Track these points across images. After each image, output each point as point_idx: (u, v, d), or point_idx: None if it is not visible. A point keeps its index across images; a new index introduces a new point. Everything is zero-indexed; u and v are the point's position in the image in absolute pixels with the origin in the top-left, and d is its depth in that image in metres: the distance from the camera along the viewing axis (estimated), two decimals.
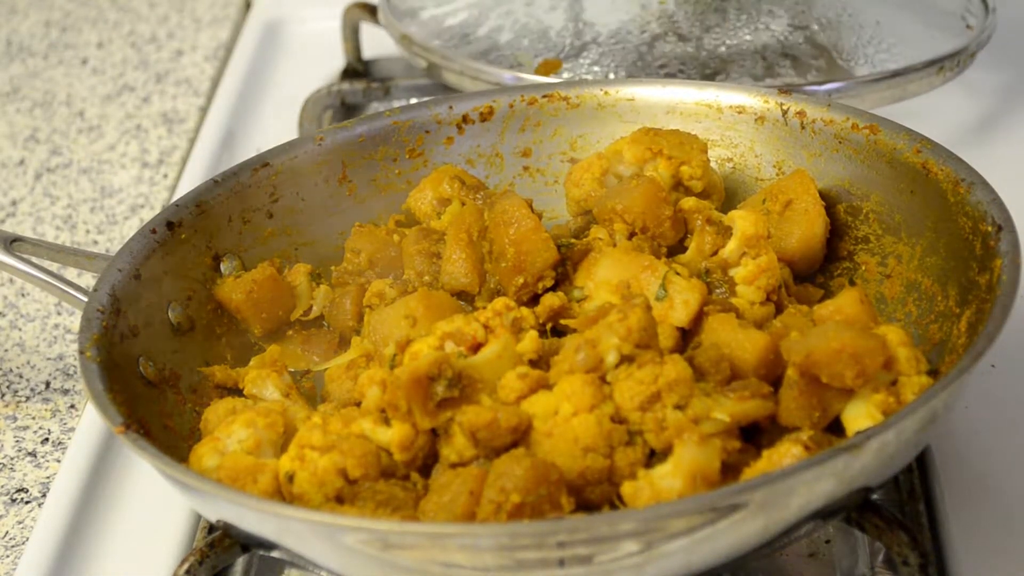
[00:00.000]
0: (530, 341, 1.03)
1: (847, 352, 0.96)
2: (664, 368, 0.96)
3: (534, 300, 1.12)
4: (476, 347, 1.02)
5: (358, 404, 1.05)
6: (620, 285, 1.09)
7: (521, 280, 1.12)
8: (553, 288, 1.12)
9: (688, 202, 1.16)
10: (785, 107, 1.23)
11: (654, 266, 1.09)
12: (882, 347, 0.97)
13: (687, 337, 1.07)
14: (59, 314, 1.39)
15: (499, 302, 1.04)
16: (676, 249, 1.16)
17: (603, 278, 1.11)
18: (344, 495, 0.96)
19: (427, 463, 1.00)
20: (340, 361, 1.14)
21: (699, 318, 1.06)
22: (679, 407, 0.96)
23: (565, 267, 1.13)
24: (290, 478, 0.97)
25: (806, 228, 1.17)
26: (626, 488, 0.94)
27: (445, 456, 0.98)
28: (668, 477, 0.93)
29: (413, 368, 0.98)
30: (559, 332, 1.10)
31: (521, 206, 1.13)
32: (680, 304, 1.07)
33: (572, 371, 0.98)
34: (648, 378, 0.96)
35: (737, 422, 0.97)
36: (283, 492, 0.98)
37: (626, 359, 0.98)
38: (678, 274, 1.09)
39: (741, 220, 1.12)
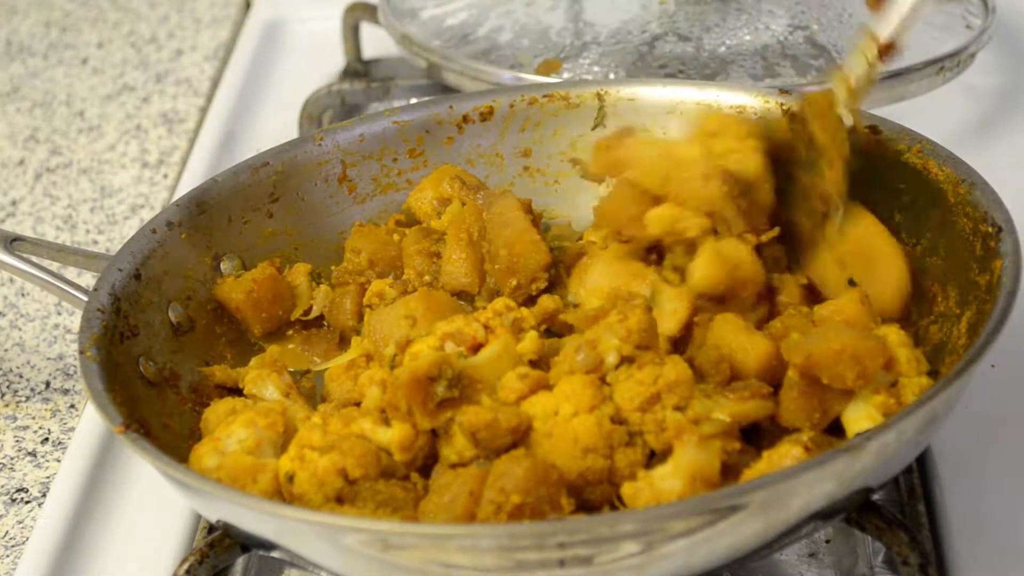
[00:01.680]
0: (531, 342, 1.03)
1: (848, 353, 0.96)
2: (664, 369, 0.96)
3: (531, 301, 1.12)
4: (476, 347, 1.02)
5: (358, 404, 1.05)
6: (611, 293, 1.08)
7: (514, 282, 1.12)
8: (548, 290, 1.12)
9: (656, 213, 1.11)
10: (785, 107, 1.23)
11: (643, 274, 1.09)
12: (883, 348, 0.97)
13: (679, 344, 1.06)
14: (59, 314, 1.39)
15: (499, 302, 1.04)
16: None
17: (594, 285, 1.11)
18: (344, 495, 0.96)
19: (427, 463, 1.00)
20: (340, 361, 1.14)
21: (690, 326, 1.06)
22: (679, 408, 0.96)
23: (558, 269, 1.13)
24: (290, 478, 0.97)
25: (896, 279, 1.10)
26: (626, 489, 0.94)
27: (445, 456, 0.98)
28: (668, 478, 0.93)
29: (413, 368, 0.98)
30: (554, 334, 1.09)
31: (515, 207, 1.13)
32: (669, 314, 1.06)
33: (572, 371, 0.98)
34: (648, 379, 0.96)
35: (737, 423, 0.97)
36: (283, 492, 0.98)
37: (626, 360, 0.98)
38: (668, 281, 1.08)
39: (700, 270, 1.08)
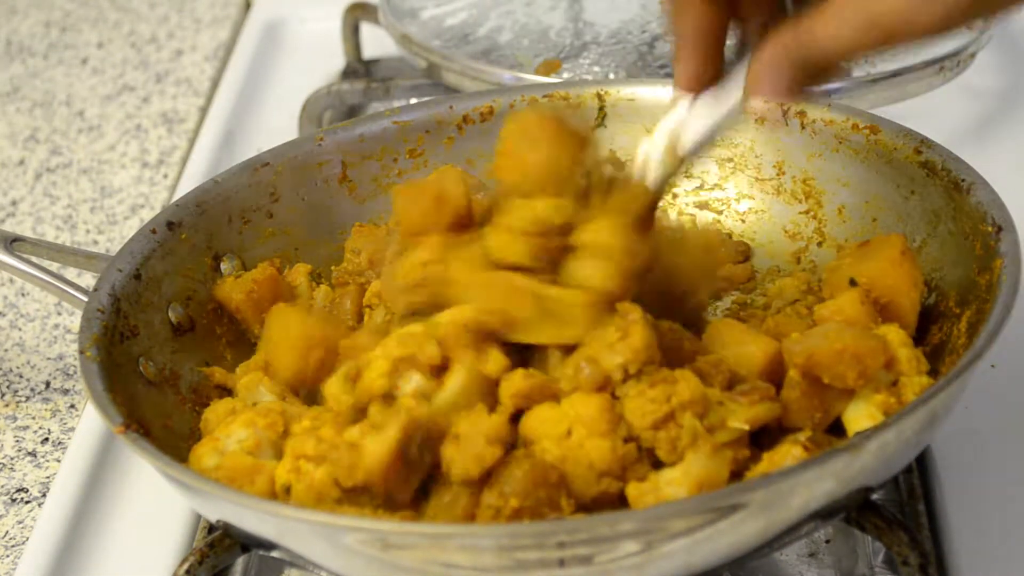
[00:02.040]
0: (495, 361, 0.97)
1: (849, 353, 0.96)
2: (678, 388, 0.94)
3: None
4: (436, 369, 0.97)
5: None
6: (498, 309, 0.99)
7: None
8: None
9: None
10: (785, 107, 1.22)
11: (518, 283, 1.00)
12: (884, 347, 0.97)
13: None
14: (59, 314, 1.39)
15: (461, 314, 0.99)
16: None
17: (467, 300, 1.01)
18: (343, 501, 0.95)
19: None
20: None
21: None
22: (697, 417, 0.94)
23: None
24: (287, 490, 0.96)
25: (911, 306, 1.07)
26: (631, 490, 0.93)
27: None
28: (674, 484, 0.92)
29: (379, 453, 0.92)
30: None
31: None
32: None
33: (578, 388, 0.95)
34: (660, 397, 0.93)
35: (751, 428, 0.96)
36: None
37: (633, 375, 0.96)
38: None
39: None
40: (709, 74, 0.99)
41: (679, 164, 1.02)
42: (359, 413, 0.98)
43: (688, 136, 1.01)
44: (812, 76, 0.92)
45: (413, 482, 0.94)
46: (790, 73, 0.92)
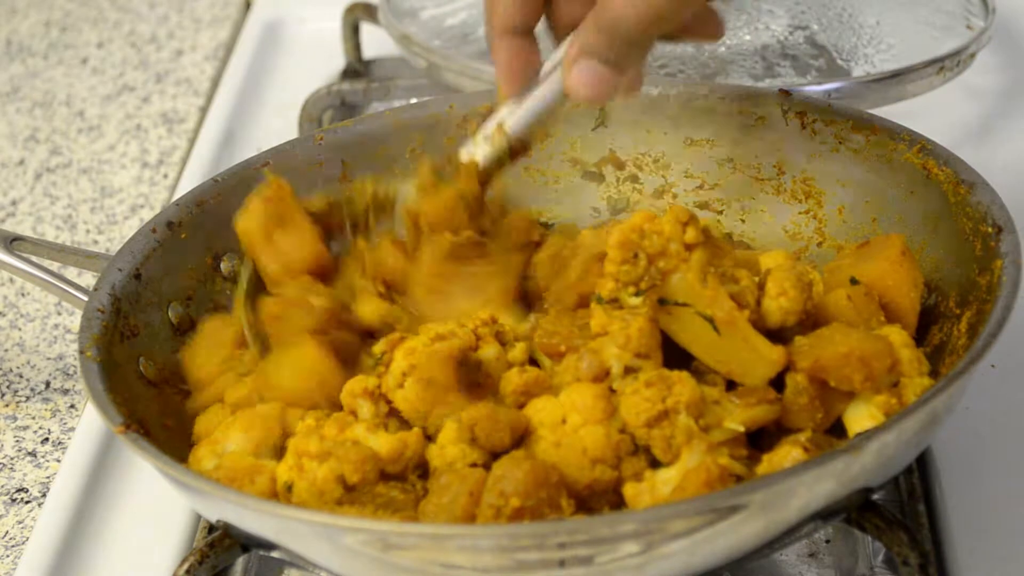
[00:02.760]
0: (520, 352, 1.03)
1: (855, 356, 0.96)
2: (673, 389, 0.95)
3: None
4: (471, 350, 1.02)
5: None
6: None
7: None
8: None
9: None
10: (785, 107, 1.23)
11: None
12: (890, 349, 0.97)
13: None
14: (59, 314, 1.39)
15: (484, 313, 1.04)
16: None
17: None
18: (343, 502, 0.95)
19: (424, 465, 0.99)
20: None
21: None
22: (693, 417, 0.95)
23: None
24: (288, 488, 0.96)
25: (911, 306, 1.07)
26: (628, 489, 0.93)
27: (434, 468, 0.97)
28: (671, 484, 0.92)
29: (450, 345, 0.99)
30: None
31: None
32: None
33: (578, 379, 0.97)
34: (655, 397, 0.94)
35: (747, 429, 0.96)
36: (281, 501, 0.97)
37: (631, 370, 0.97)
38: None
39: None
40: (528, 67, 1.06)
41: (506, 143, 1.09)
42: (381, 399, 1.00)
43: (514, 120, 1.09)
44: (623, 52, 0.98)
45: (453, 398, 0.98)
46: (601, 51, 0.98)
